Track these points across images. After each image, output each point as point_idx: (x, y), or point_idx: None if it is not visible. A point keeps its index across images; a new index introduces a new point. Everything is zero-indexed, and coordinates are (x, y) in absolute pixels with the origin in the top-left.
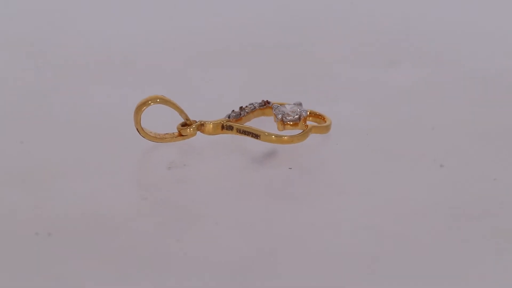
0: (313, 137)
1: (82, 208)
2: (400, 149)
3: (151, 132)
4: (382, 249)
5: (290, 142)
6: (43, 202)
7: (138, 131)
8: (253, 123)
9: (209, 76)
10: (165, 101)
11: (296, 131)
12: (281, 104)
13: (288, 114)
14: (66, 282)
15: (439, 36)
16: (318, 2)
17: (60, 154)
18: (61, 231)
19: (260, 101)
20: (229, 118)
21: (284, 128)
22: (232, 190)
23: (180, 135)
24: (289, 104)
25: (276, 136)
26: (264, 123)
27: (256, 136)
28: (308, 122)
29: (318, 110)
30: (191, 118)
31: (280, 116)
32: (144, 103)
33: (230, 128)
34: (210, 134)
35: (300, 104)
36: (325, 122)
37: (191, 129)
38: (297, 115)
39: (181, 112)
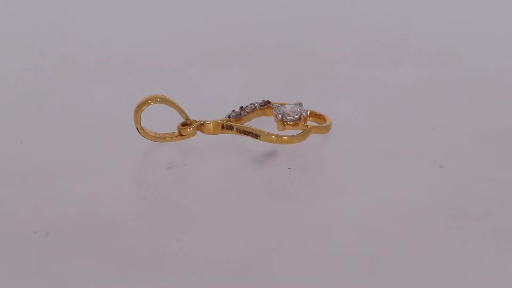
0: (313, 137)
1: (82, 208)
2: (400, 149)
3: (151, 132)
4: (382, 249)
5: (290, 142)
6: (43, 202)
7: (138, 131)
8: (254, 123)
9: (209, 76)
10: (165, 101)
11: (296, 131)
12: (281, 104)
13: (288, 114)
14: (66, 282)
15: (439, 36)
16: (318, 2)
17: (60, 154)
18: (61, 231)
19: (260, 101)
20: (229, 118)
21: (284, 128)
22: (232, 190)
23: (180, 134)
24: (289, 104)
25: (276, 136)
26: (264, 123)
27: (256, 136)
28: (308, 122)
29: (318, 110)
30: (191, 117)
31: (280, 116)
32: (144, 103)
33: (230, 128)
34: (210, 134)
35: (301, 104)
36: (325, 122)
37: (191, 129)
38: (297, 115)
39: (181, 111)
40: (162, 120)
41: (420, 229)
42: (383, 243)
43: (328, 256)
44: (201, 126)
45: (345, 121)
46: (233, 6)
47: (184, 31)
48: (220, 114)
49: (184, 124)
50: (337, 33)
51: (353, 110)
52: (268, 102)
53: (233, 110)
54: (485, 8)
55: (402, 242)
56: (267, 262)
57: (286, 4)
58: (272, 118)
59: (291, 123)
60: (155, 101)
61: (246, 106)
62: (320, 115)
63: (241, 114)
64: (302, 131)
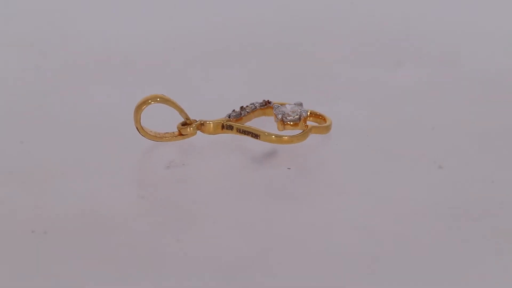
0: (313, 137)
1: (82, 208)
2: (400, 149)
3: (151, 131)
4: (382, 249)
5: (290, 142)
6: (43, 202)
7: (138, 130)
8: (254, 123)
9: (209, 76)
10: (165, 100)
11: (296, 131)
12: (281, 104)
13: (288, 114)
14: (66, 282)
15: (439, 36)
16: (318, 2)
17: (60, 154)
18: (61, 231)
19: (261, 101)
20: (229, 117)
21: (284, 128)
22: (232, 190)
23: (180, 134)
24: (289, 104)
25: (276, 136)
26: (265, 123)
27: (256, 136)
28: (308, 122)
29: (318, 110)
30: (191, 117)
31: (280, 116)
32: (144, 102)
33: (230, 127)
34: (210, 133)
35: (301, 104)
36: (325, 122)
37: (191, 129)
38: (297, 115)
39: (181, 111)
40: (162, 119)
41: (420, 229)
42: (383, 243)
43: (328, 256)
44: (201, 125)
45: (345, 121)
46: (233, 6)
47: (184, 31)
48: (220, 114)
49: (184, 124)
50: (337, 33)
51: (353, 110)
52: (269, 102)
53: (233, 110)
54: (485, 8)
55: (402, 242)
56: (267, 262)
57: (286, 4)
58: (272, 118)
59: (291, 123)
60: (155, 101)
61: (247, 106)
62: (320, 115)
63: (241, 114)
64: (302, 131)
